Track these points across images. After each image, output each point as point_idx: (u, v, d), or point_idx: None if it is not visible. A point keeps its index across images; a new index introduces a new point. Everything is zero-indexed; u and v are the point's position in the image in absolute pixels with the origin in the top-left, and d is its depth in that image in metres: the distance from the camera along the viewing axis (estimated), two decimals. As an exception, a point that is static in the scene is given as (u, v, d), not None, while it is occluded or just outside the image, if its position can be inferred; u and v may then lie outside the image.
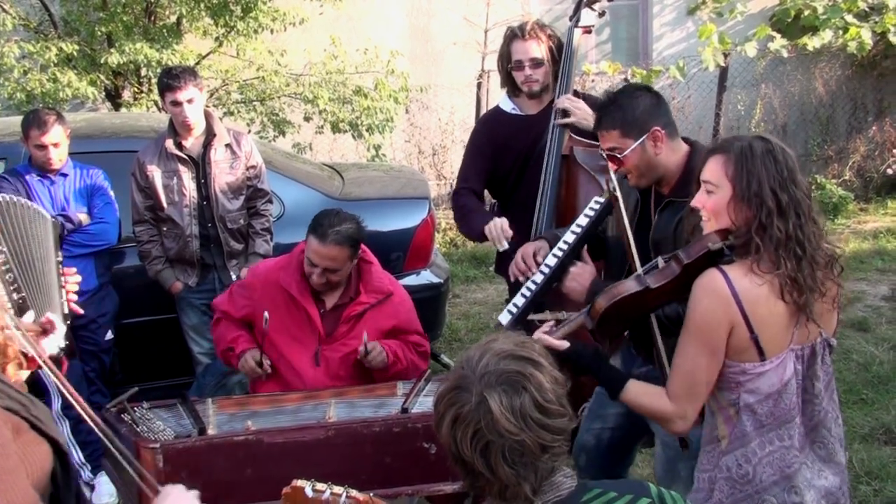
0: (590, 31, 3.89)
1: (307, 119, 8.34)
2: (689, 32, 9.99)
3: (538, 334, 2.57)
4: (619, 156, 2.89)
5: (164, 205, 4.61)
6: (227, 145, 4.69)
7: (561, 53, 3.92)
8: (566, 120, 3.79)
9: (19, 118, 4.94)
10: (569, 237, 3.15)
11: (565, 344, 2.54)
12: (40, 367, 2.06)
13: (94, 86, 7.67)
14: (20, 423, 1.74)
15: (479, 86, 9.04)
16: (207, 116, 4.70)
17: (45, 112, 4.56)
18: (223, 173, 4.66)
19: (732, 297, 2.30)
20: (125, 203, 4.72)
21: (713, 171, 2.40)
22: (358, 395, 3.46)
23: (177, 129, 4.63)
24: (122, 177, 4.76)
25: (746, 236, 2.34)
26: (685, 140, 3.01)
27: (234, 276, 4.71)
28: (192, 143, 4.65)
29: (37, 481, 1.73)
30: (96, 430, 2.06)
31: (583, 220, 3.16)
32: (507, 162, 4.04)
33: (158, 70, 7.48)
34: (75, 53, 7.64)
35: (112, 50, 7.59)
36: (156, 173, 4.60)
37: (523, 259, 3.33)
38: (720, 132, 9.59)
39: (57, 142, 4.49)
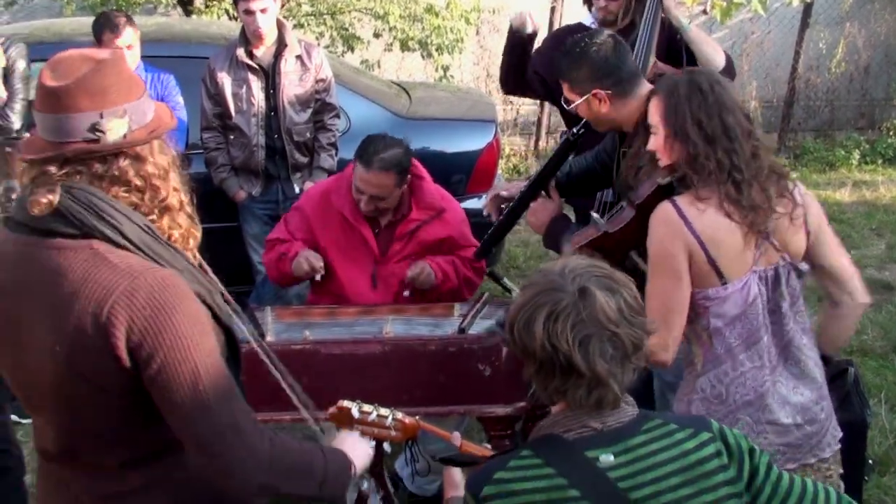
0: None
1: (377, 35, 8.25)
2: (775, -35, 9.61)
3: None
4: (568, 107, 2.98)
5: (233, 113, 4.62)
6: (298, 57, 4.66)
7: None
8: None
9: (90, 19, 4.95)
10: (534, 174, 3.25)
11: None
12: None
13: (167, -9, 7.66)
14: (204, 310, 1.77)
15: (552, 10, 8.83)
16: (280, 26, 4.66)
17: (116, 15, 4.59)
18: (292, 85, 4.63)
19: (684, 223, 2.37)
20: (193, 108, 4.74)
21: (651, 113, 2.50)
22: (415, 314, 3.47)
23: (248, 38, 4.61)
24: (190, 82, 4.77)
25: (683, 170, 2.43)
26: (652, 81, 2.95)
27: (297, 189, 4.73)
28: (263, 52, 4.62)
29: None
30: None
31: (550, 159, 3.25)
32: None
33: (231, -22, 7.45)
34: (150, -43, 7.63)
35: (186, -45, 7.56)
36: (226, 81, 4.59)
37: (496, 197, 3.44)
38: (798, 71, 9.29)
39: (130, 44, 4.51)
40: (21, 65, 4.47)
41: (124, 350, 1.64)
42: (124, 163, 1.74)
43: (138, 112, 1.75)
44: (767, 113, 9.56)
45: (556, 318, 1.69)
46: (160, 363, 1.65)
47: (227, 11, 7.83)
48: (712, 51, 3.64)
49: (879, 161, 9.11)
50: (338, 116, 4.83)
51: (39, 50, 4.81)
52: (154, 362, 1.65)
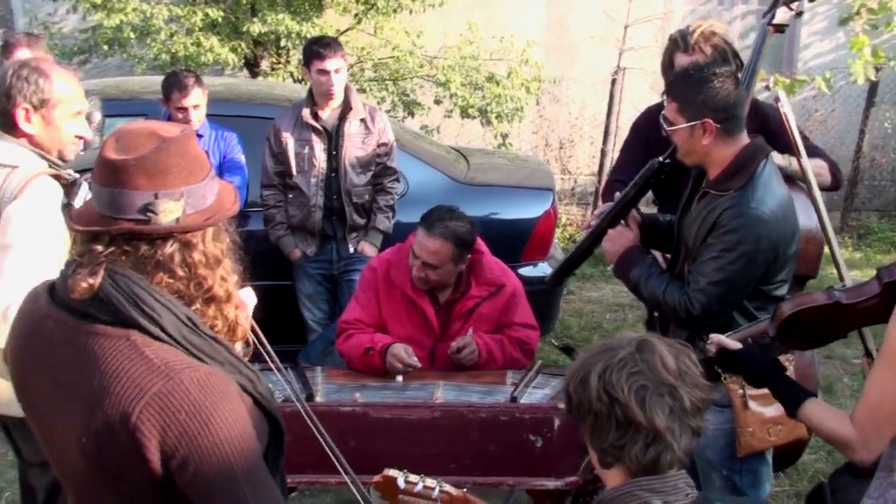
0: (782, 31, 3.65)
1: (437, 102, 8.34)
2: (840, 43, 9.54)
3: (714, 335, 2.47)
4: (667, 127, 2.85)
5: (294, 172, 4.67)
6: (362, 120, 4.71)
7: (727, 60, 3.68)
8: None
9: (159, 78, 5.07)
10: (615, 202, 3.15)
11: (737, 344, 2.43)
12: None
13: (235, 53, 7.85)
14: (248, 402, 1.70)
15: (613, 82, 8.86)
16: (346, 90, 4.72)
17: (185, 74, 4.68)
18: (355, 147, 4.68)
19: None
20: (254, 167, 4.80)
21: None
22: (466, 380, 3.42)
23: (315, 99, 4.67)
24: (254, 142, 4.84)
25: None
26: (751, 135, 2.89)
27: (351, 249, 4.75)
28: (329, 114, 4.68)
29: None
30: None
31: (631, 186, 3.16)
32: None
33: (297, 42, 7.62)
34: (220, 20, 7.83)
35: (255, 19, 7.75)
36: (289, 140, 4.65)
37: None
38: (863, 150, 9.16)
39: (197, 104, 4.61)
40: (97, 116, 4.57)
41: (156, 454, 1.57)
42: (171, 248, 1.66)
43: (197, 195, 1.68)
44: (831, 192, 9.42)
45: (612, 369, 1.65)
46: (196, 470, 1.57)
47: (291, 74, 8.00)
48: (816, 178, 3.47)
49: (946, 243, 8.89)
50: (398, 180, 4.85)
51: (111, 106, 4.94)
52: (189, 468, 1.58)
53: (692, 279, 2.84)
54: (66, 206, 2.72)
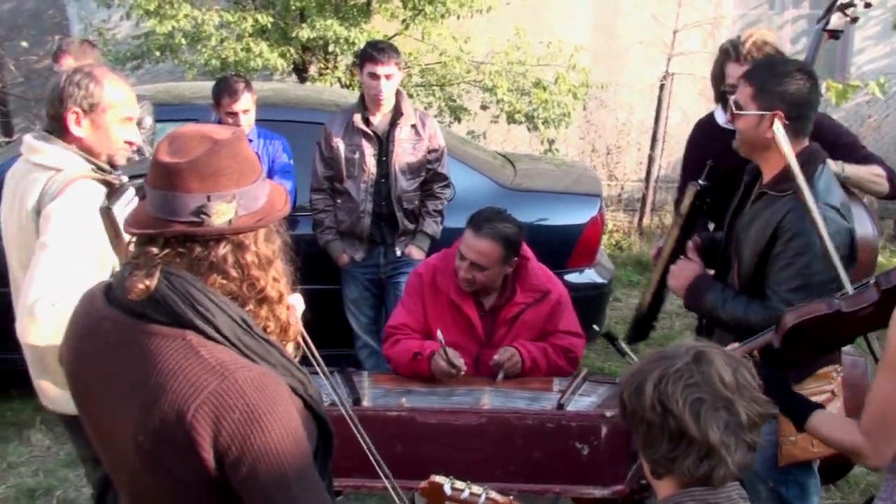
0: (837, 37, 3.60)
1: (484, 107, 8.35)
2: (894, 48, 9.40)
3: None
4: (736, 110, 2.81)
5: (344, 177, 4.69)
6: (413, 126, 4.72)
7: None
8: None
9: (210, 83, 5.13)
10: (665, 237, 3.18)
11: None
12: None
13: (284, 58, 7.92)
14: (298, 404, 1.72)
15: (661, 88, 8.79)
16: (398, 95, 4.73)
17: (235, 80, 4.73)
18: (405, 153, 4.69)
19: None
20: (302, 171, 4.83)
21: None
22: (513, 387, 3.40)
23: (366, 104, 4.69)
24: (302, 146, 4.88)
25: None
26: (812, 141, 2.85)
27: (398, 252, 4.76)
28: (380, 119, 4.70)
29: None
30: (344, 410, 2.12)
31: (681, 216, 3.14)
32: (719, 178, 3.78)
33: (345, 47, 7.68)
34: (269, 26, 7.91)
35: (303, 25, 7.82)
36: (340, 145, 4.67)
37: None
38: (918, 156, 8.98)
39: (247, 108, 4.66)
40: (148, 121, 4.64)
41: (210, 452, 1.60)
42: (224, 250, 1.69)
43: (248, 197, 1.70)
44: (888, 200, 9.25)
45: (667, 379, 1.62)
46: (249, 470, 1.60)
47: (339, 79, 8.06)
48: (872, 185, 3.45)
49: None
50: (448, 186, 4.86)
51: (162, 111, 5.01)
52: (242, 468, 1.60)
53: (770, 293, 2.77)
54: (106, 210, 2.75)
